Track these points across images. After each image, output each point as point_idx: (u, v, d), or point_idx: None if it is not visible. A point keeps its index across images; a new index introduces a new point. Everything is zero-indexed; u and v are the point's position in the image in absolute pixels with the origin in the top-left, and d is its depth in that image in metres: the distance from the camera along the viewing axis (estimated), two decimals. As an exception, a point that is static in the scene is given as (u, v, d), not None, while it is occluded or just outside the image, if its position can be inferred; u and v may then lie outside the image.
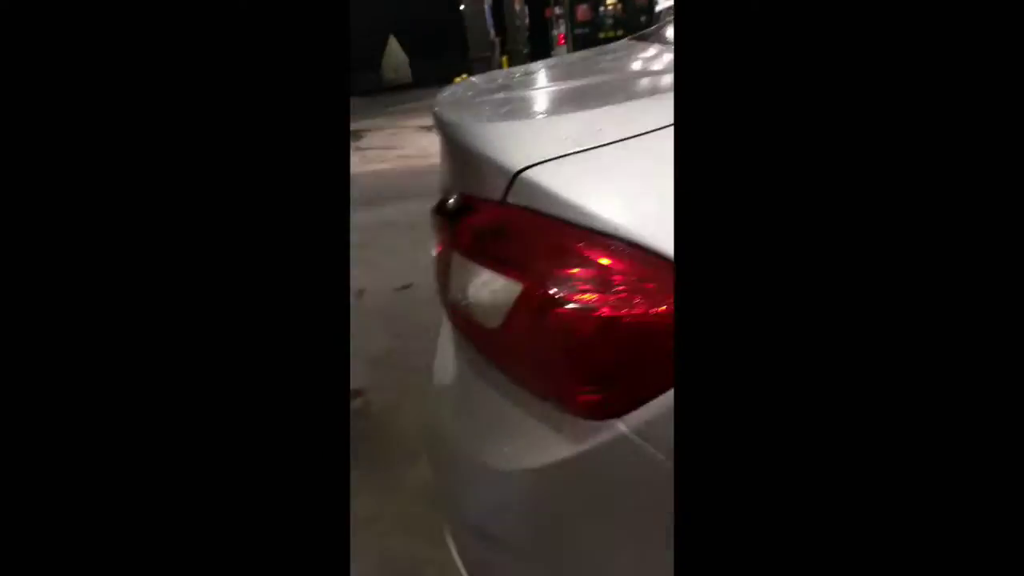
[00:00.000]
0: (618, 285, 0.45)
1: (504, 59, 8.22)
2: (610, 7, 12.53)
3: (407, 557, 1.26)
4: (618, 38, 1.41)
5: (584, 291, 0.46)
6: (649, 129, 0.49)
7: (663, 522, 0.37)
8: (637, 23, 11.39)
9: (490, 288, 0.53)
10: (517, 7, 10.25)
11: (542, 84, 0.85)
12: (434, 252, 0.70)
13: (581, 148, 0.50)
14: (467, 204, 0.59)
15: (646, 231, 0.44)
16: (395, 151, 6.33)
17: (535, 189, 0.50)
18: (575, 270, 0.47)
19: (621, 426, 0.46)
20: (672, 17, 1.04)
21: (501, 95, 0.76)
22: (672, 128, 0.44)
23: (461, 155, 0.61)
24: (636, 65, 0.87)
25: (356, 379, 1.96)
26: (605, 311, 0.45)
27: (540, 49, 11.11)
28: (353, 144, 7.36)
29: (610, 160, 0.49)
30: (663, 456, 0.44)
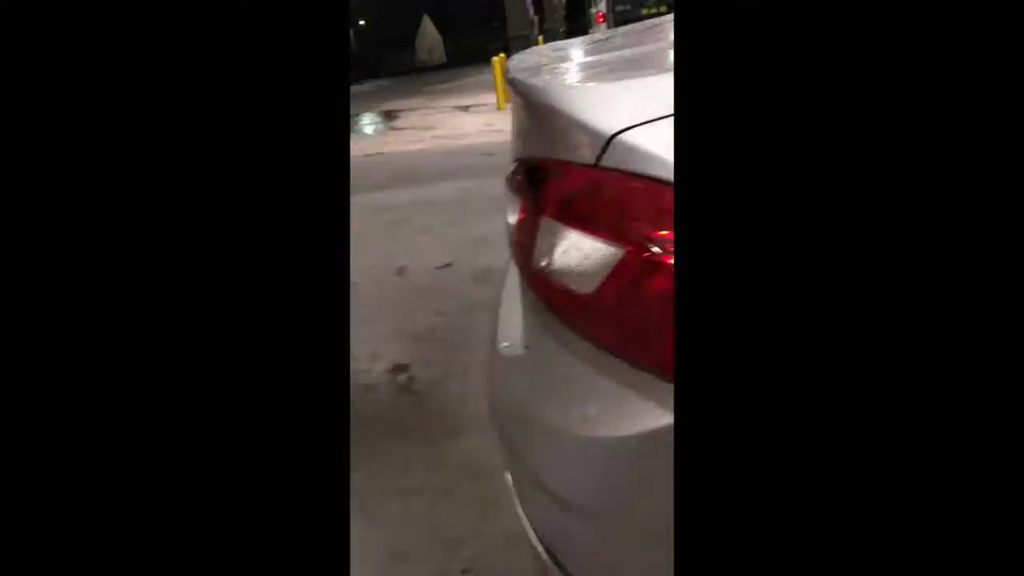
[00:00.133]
0: None
1: (540, 38, 8.10)
2: (653, -18, 12.19)
3: (456, 528, 1.28)
4: (661, 15, 1.36)
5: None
6: None
7: None
8: None
9: (583, 253, 0.52)
10: (554, -15, 10.07)
11: (621, 49, 0.83)
12: (512, 219, 0.69)
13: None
14: (552, 169, 0.58)
15: None
16: (431, 131, 6.33)
17: (634, 151, 0.48)
18: (678, 234, 0.45)
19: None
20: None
21: (582, 60, 0.74)
22: None
23: (546, 119, 0.60)
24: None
25: (401, 354, 1.98)
26: None
27: (577, 28, 10.90)
28: (389, 124, 7.40)
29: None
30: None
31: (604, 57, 0.79)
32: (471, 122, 6.59)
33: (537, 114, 0.63)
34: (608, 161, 0.50)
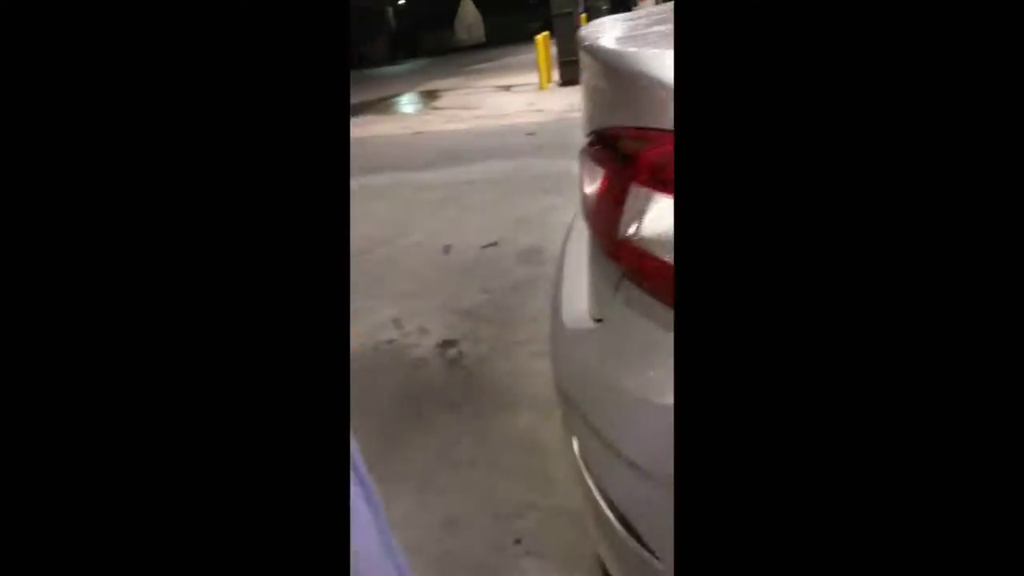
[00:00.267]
0: None
1: (584, 16, 7.95)
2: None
3: (508, 501, 1.30)
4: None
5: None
6: None
7: None
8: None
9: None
10: (598, -39, 9.82)
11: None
12: (590, 190, 0.69)
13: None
14: (643, 137, 0.57)
15: None
16: (472, 111, 6.31)
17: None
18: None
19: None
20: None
21: (660, 29, 0.72)
22: None
23: (635, 87, 0.59)
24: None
25: (449, 331, 2.01)
26: None
27: (620, 6, 10.65)
28: (430, 104, 7.41)
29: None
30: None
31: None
32: (513, 102, 6.54)
33: (624, 82, 0.62)
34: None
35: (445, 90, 8.55)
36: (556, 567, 1.13)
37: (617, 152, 0.62)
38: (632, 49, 0.61)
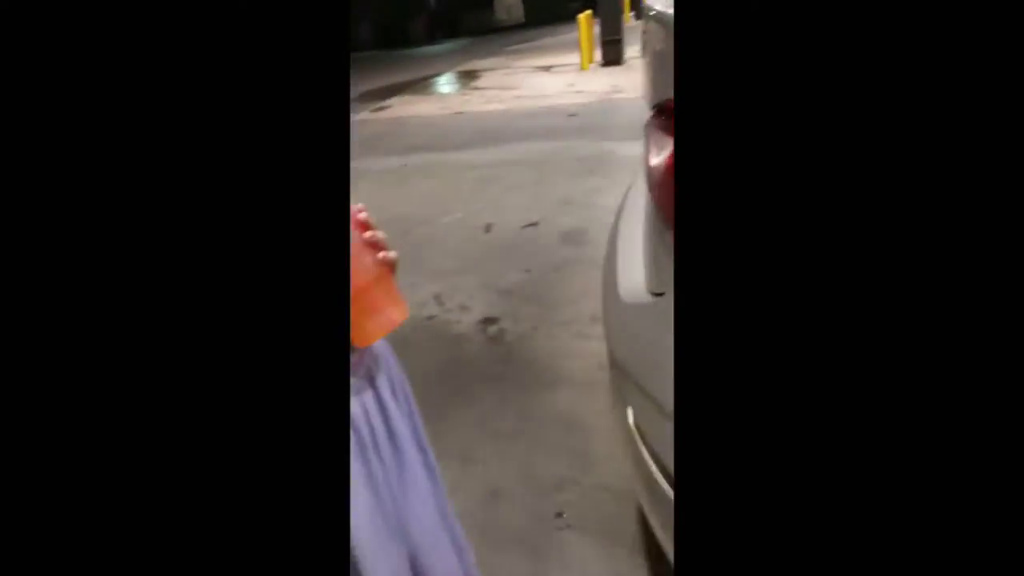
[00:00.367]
0: None
1: (628, -5, 7.75)
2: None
3: (549, 474, 1.32)
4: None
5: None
6: None
7: None
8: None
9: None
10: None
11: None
12: (656, 162, 0.68)
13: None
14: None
15: None
16: (512, 91, 6.27)
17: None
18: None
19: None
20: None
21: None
22: None
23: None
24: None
25: (490, 308, 2.03)
26: None
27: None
28: (470, 84, 7.38)
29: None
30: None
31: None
32: (553, 83, 6.46)
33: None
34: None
35: (484, 70, 8.50)
36: (597, 542, 1.14)
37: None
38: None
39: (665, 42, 0.69)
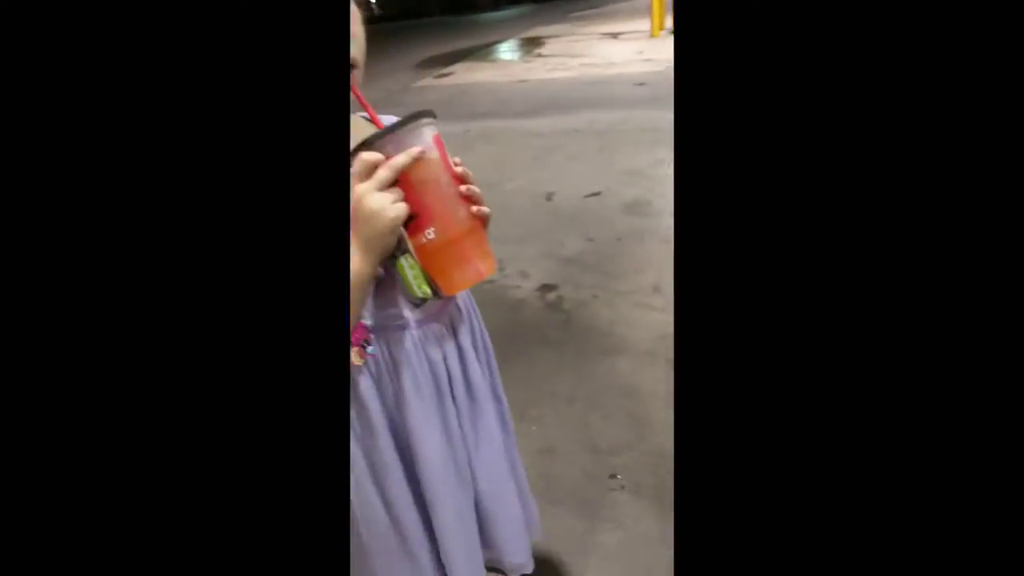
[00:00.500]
0: None
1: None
2: None
3: (605, 438, 1.34)
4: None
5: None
6: None
7: None
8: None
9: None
10: None
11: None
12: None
13: None
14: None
15: None
16: (577, 59, 6.12)
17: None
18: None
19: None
20: None
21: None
22: None
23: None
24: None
25: (549, 276, 2.04)
26: None
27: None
28: (535, 51, 7.25)
29: None
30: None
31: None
32: (621, 50, 6.26)
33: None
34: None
35: (549, 37, 8.32)
36: (650, 505, 1.16)
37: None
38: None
39: None
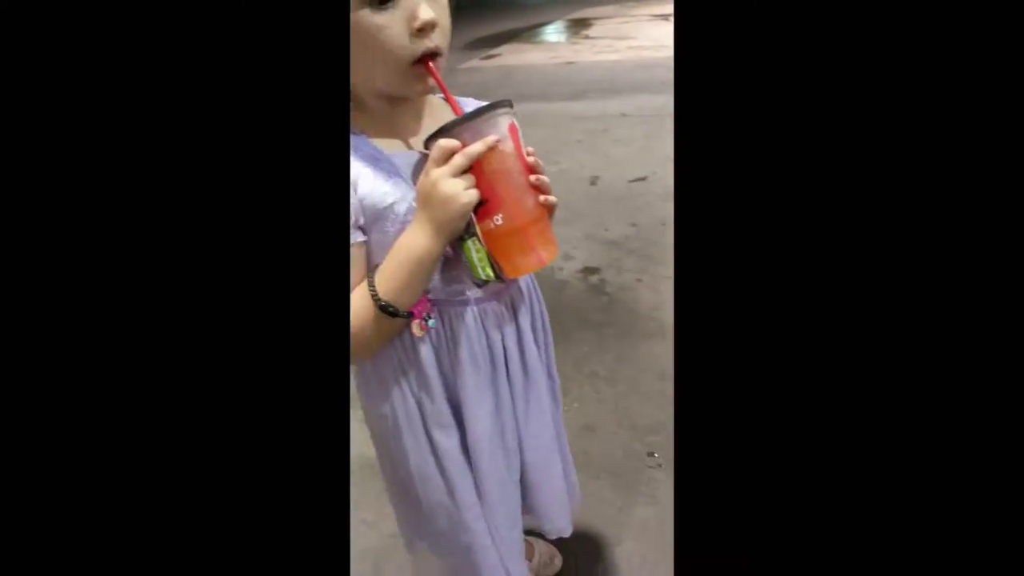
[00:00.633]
0: None
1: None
2: None
3: (643, 418, 1.36)
4: None
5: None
6: None
7: None
8: None
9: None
10: None
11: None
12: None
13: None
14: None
15: None
16: (626, 41, 6.01)
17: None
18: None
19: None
20: None
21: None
22: None
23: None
24: None
25: (592, 258, 2.06)
26: None
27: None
28: (582, 33, 7.15)
29: None
30: None
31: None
32: (671, 32, 6.10)
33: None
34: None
35: (597, 18, 8.17)
36: (687, 484, 1.18)
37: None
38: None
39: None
